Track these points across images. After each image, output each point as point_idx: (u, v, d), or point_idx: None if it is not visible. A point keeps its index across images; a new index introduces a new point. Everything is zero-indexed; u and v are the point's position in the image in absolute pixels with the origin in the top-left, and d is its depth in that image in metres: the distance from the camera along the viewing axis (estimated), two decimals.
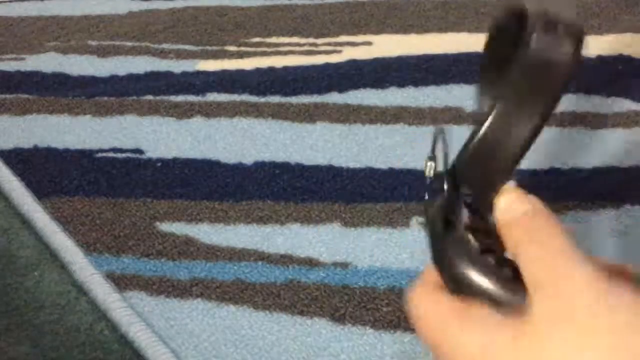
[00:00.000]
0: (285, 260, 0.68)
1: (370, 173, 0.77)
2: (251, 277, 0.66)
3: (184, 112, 0.90)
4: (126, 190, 0.78)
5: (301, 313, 0.62)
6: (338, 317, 0.61)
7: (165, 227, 0.72)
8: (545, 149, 0.78)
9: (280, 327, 0.61)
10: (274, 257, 0.68)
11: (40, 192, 0.77)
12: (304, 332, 0.61)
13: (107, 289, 0.64)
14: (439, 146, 0.33)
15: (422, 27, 1.08)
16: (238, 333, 0.61)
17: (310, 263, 0.67)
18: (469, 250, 0.32)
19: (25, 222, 0.74)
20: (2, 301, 0.65)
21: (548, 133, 0.81)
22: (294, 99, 0.91)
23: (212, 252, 0.69)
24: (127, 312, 0.62)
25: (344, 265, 0.67)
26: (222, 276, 0.66)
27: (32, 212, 0.74)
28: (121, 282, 0.66)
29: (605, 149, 0.79)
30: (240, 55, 1.03)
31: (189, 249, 0.69)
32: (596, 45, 0.99)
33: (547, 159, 0.78)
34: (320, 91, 0.93)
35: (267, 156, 0.81)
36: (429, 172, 0.33)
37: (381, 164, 0.79)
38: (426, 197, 0.33)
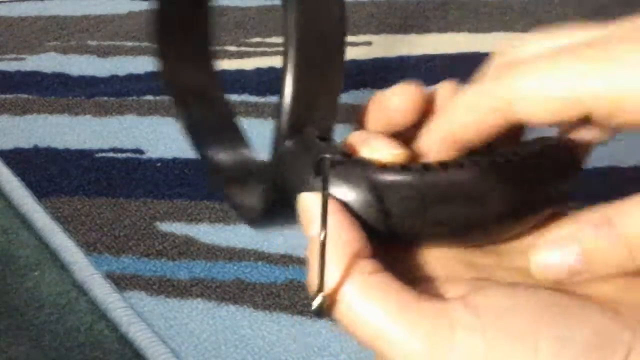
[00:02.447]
0: (285, 260, 0.68)
1: None
2: (251, 277, 0.66)
3: None
4: (126, 190, 0.78)
5: (301, 313, 0.62)
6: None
7: (165, 227, 0.72)
8: None
9: (280, 327, 0.61)
10: (274, 257, 0.68)
11: (40, 192, 0.77)
12: (304, 332, 0.61)
13: (107, 289, 0.64)
14: None
15: (422, 27, 1.08)
16: (238, 333, 0.61)
17: None
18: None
19: (25, 222, 0.74)
20: (2, 301, 0.65)
21: (548, 133, 0.81)
22: None
23: (212, 252, 0.69)
24: (127, 312, 0.62)
25: None
26: (222, 276, 0.66)
27: (32, 212, 0.74)
28: (121, 282, 0.66)
29: (605, 149, 0.79)
30: (240, 55, 1.03)
31: (189, 248, 0.69)
32: None
33: None
34: None
35: (267, 156, 0.81)
36: None
37: None
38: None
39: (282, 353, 0.59)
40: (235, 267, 0.67)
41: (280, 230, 0.73)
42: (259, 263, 0.67)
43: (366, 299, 0.27)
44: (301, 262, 0.68)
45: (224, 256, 0.68)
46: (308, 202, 0.29)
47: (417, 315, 0.27)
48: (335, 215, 0.28)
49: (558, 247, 0.28)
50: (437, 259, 0.31)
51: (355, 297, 0.27)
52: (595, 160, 0.87)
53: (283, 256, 0.68)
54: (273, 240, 0.70)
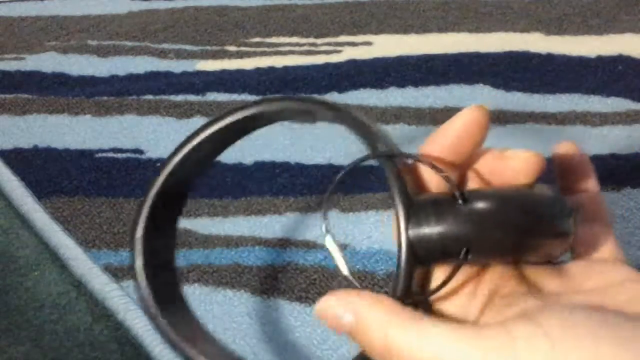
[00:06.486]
0: (282, 243, 0.67)
1: (370, 170, 0.77)
2: (248, 261, 0.66)
3: (184, 112, 0.90)
4: (126, 190, 0.78)
5: (299, 299, 0.62)
6: None
7: None
8: (543, 147, 0.78)
9: (279, 314, 0.61)
10: (271, 242, 0.68)
11: (40, 192, 0.77)
12: (303, 321, 0.60)
13: (105, 280, 0.64)
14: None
15: (422, 27, 1.08)
16: (236, 321, 0.60)
17: (308, 245, 0.67)
18: None
19: (25, 222, 0.74)
20: (2, 301, 0.65)
21: (547, 132, 0.81)
22: None
23: (210, 241, 0.69)
24: (123, 300, 0.62)
25: (343, 246, 0.66)
26: (220, 261, 0.66)
27: (32, 212, 0.74)
28: (119, 272, 0.66)
29: (606, 141, 0.80)
30: (240, 55, 1.03)
31: (187, 239, 0.69)
32: (596, 45, 0.99)
33: (546, 154, 0.79)
34: (320, 91, 0.93)
35: (267, 156, 0.81)
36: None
37: None
38: None
39: (281, 345, 0.58)
40: (232, 253, 0.67)
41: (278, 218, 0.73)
42: (256, 247, 0.67)
43: (426, 341, 0.29)
44: (298, 245, 0.67)
45: (221, 243, 0.68)
46: (325, 308, 0.31)
47: (478, 335, 0.28)
48: (358, 297, 0.30)
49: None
50: (501, 297, 0.33)
51: (415, 342, 0.29)
52: (594, 149, 0.88)
53: (280, 240, 0.68)
54: (271, 227, 0.70)
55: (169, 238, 0.38)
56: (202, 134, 0.35)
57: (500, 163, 0.33)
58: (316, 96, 0.91)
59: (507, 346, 0.27)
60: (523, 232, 0.30)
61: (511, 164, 0.32)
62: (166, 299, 0.36)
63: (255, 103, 0.35)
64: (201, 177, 0.38)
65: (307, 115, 0.35)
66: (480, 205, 0.30)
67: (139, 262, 0.35)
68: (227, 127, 0.35)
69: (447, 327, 0.29)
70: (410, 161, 0.33)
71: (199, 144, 0.35)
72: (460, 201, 0.31)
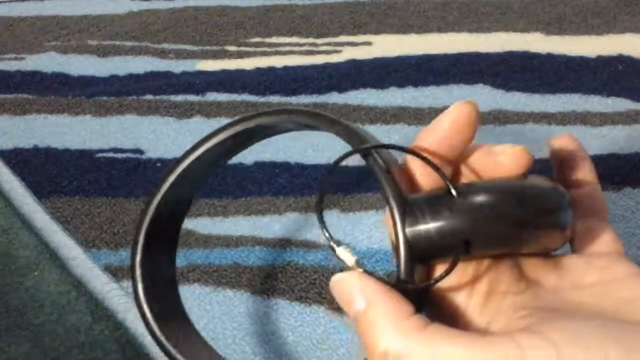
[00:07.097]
0: (282, 243, 0.67)
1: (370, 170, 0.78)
2: (248, 260, 0.66)
3: (184, 112, 0.90)
4: (126, 190, 0.78)
5: (299, 299, 0.62)
6: (337, 306, 0.61)
7: None
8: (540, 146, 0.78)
9: (278, 315, 0.61)
10: (271, 241, 0.68)
11: (40, 192, 0.77)
12: (302, 321, 0.60)
13: (105, 280, 0.64)
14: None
15: (422, 27, 1.08)
16: (236, 320, 0.60)
17: (308, 245, 0.67)
18: None
19: (25, 222, 0.74)
20: (2, 301, 0.65)
21: (546, 131, 0.81)
22: (294, 99, 0.91)
23: (210, 241, 0.69)
24: (123, 300, 0.62)
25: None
26: (219, 261, 0.66)
27: (32, 212, 0.74)
28: (119, 272, 0.66)
29: (605, 141, 0.80)
30: (240, 55, 1.03)
31: (187, 240, 0.69)
32: (596, 45, 0.99)
33: (546, 155, 0.79)
34: (320, 91, 0.93)
35: (267, 156, 0.81)
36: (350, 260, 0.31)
37: None
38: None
39: (280, 346, 0.58)
40: (232, 252, 0.67)
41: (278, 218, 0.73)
42: (256, 247, 0.67)
43: (432, 349, 0.28)
44: (298, 245, 0.67)
45: (221, 243, 0.68)
46: (343, 282, 0.31)
47: (486, 347, 0.28)
48: (375, 288, 0.30)
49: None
50: (501, 294, 0.32)
51: (421, 351, 0.28)
52: (594, 148, 0.88)
53: (280, 240, 0.68)
54: (271, 227, 0.70)
55: (169, 257, 0.37)
56: (190, 156, 0.35)
57: (489, 159, 0.32)
58: (316, 96, 0.92)
59: (517, 356, 0.27)
60: (521, 223, 0.30)
61: (500, 159, 0.32)
62: (169, 319, 0.36)
63: (252, 116, 0.34)
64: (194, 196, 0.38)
65: (294, 126, 0.34)
66: (476, 197, 0.30)
67: (140, 287, 0.35)
68: (219, 143, 0.35)
69: (454, 341, 0.28)
70: (401, 155, 0.33)
71: (184, 169, 0.35)
72: (455, 194, 0.30)
